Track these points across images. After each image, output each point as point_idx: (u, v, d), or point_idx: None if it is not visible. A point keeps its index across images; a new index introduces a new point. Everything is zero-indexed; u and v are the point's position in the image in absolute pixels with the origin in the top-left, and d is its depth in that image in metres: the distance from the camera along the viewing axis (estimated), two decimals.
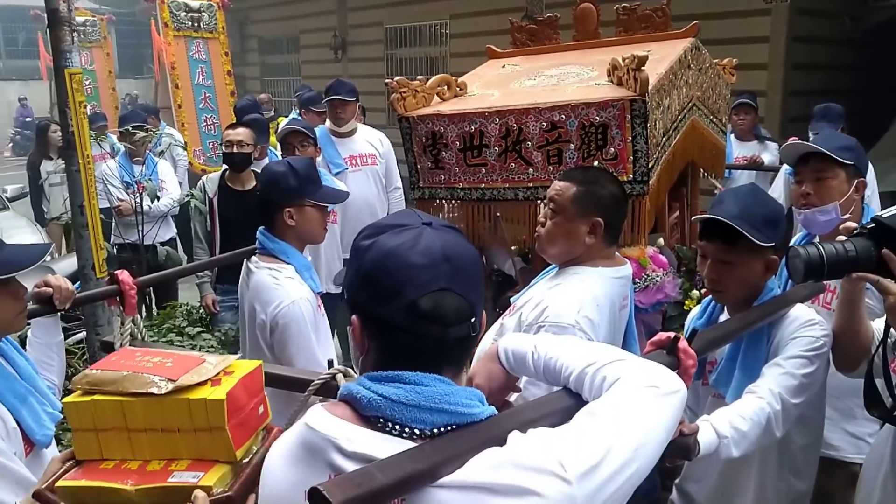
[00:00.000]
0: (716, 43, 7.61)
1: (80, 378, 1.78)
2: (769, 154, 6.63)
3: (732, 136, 6.72)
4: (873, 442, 2.48)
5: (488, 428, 1.20)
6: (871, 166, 5.14)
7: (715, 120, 4.14)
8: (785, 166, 5.83)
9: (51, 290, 2.39)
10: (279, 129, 5.50)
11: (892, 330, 2.08)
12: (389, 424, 1.18)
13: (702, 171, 4.27)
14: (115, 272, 2.59)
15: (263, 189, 3.02)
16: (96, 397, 1.71)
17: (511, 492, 1.11)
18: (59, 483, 1.72)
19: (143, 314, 5.75)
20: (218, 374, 1.69)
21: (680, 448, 1.74)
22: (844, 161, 2.80)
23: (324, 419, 1.22)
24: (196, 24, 8.49)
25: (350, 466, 1.15)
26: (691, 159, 3.83)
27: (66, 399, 1.77)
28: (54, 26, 3.98)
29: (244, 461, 1.65)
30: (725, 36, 8.16)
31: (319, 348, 2.80)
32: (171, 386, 1.63)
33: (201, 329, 4.71)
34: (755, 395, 2.08)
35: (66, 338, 4.95)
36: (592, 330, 2.32)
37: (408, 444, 1.16)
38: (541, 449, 1.16)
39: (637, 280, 3.07)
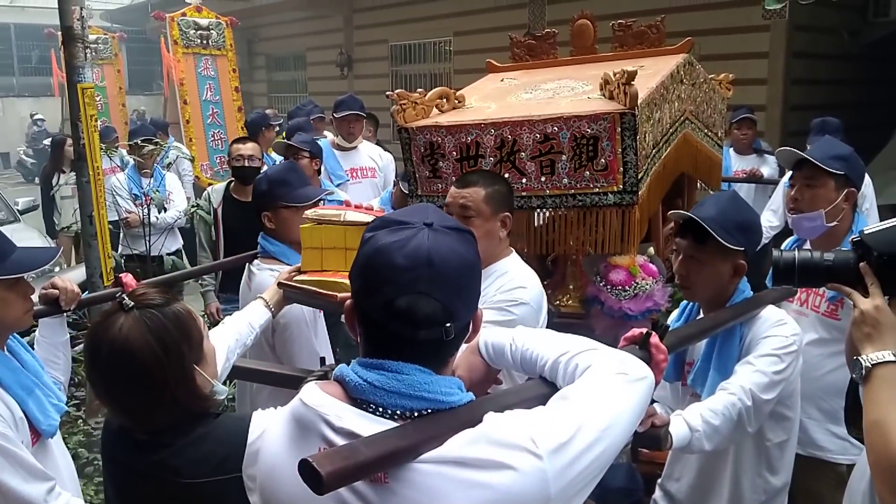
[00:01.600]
0: (716, 59, 7.76)
1: (311, 212, 2.66)
2: (768, 167, 6.71)
3: (731, 150, 6.81)
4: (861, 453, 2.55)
5: (467, 411, 1.29)
6: (869, 179, 5.24)
7: (710, 133, 4.22)
8: (784, 179, 5.93)
9: (57, 291, 2.51)
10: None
11: None
12: (373, 407, 1.27)
13: (699, 183, 4.36)
14: (120, 275, 2.69)
15: (253, 200, 3.26)
16: (325, 225, 2.53)
17: (486, 465, 1.20)
18: (296, 278, 2.57)
19: None
20: None
21: (651, 438, 1.83)
22: (833, 171, 2.90)
23: (316, 396, 1.32)
24: (205, 42, 8.63)
25: (339, 441, 1.25)
26: (684, 172, 3.93)
27: (303, 225, 2.60)
28: (68, 43, 4.11)
29: None
30: (725, 51, 8.29)
31: (319, 347, 2.91)
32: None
33: None
34: (727, 392, 2.18)
35: (73, 346, 5.08)
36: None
37: (391, 425, 1.25)
38: (514, 426, 1.24)
39: (627, 288, 3.16)
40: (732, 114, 6.66)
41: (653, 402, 2.42)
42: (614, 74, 3.10)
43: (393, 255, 1.26)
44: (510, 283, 2.68)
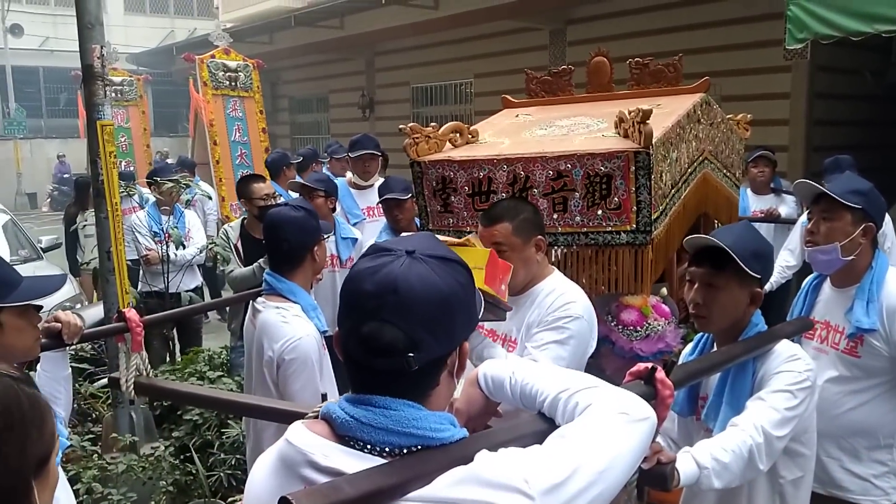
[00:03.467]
0: (737, 99, 7.75)
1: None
2: (786, 207, 6.65)
3: (748, 189, 6.76)
4: None
5: (459, 449, 1.24)
6: (889, 218, 5.18)
7: (728, 174, 4.19)
8: (802, 218, 5.87)
9: (60, 325, 2.51)
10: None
11: None
12: (360, 444, 1.23)
13: (716, 223, 4.32)
14: (123, 310, 2.69)
15: (293, 236, 3.00)
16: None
17: None
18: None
19: (168, 359, 5.87)
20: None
21: (657, 476, 1.78)
22: (851, 204, 2.86)
23: (302, 435, 1.28)
24: (233, 84, 8.71)
25: (322, 480, 1.20)
26: (705, 211, 3.89)
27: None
28: (88, 81, 4.18)
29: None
30: (747, 92, 8.28)
31: (323, 387, 2.86)
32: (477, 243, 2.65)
33: (221, 374, 4.83)
34: (738, 428, 2.12)
35: (91, 382, 5.10)
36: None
37: (379, 462, 1.21)
38: (506, 466, 1.20)
39: (639, 329, 3.12)
40: (749, 153, 6.63)
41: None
42: (629, 113, 3.09)
43: (363, 282, 1.25)
44: (558, 300, 2.72)
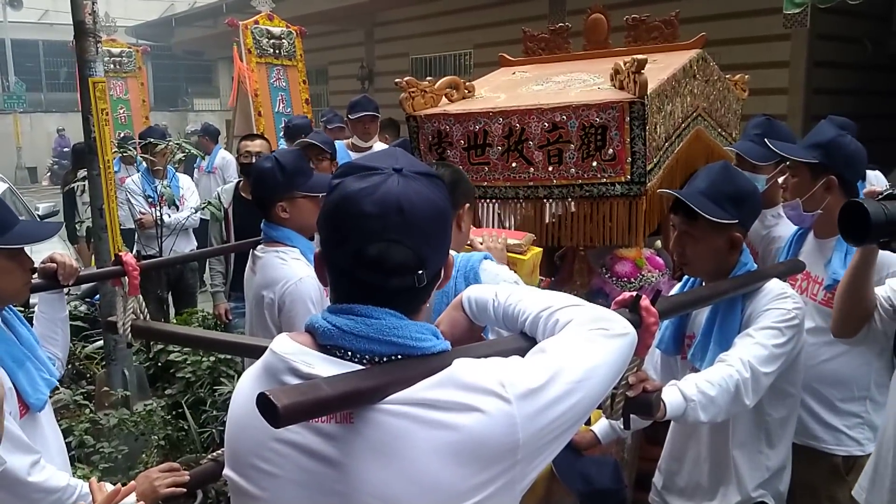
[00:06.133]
0: (736, 68, 7.64)
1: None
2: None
3: None
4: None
5: (439, 359, 1.25)
6: (886, 181, 5.15)
7: (724, 133, 4.17)
8: None
9: (55, 265, 2.50)
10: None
11: None
12: (342, 352, 1.24)
13: None
14: (120, 253, 2.68)
15: (254, 187, 3.08)
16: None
17: (452, 407, 1.17)
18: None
19: (162, 321, 5.84)
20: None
21: (643, 404, 1.78)
22: (806, 160, 2.83)
23: (286, 344, 1.29)
24: (277, 52, 8.30)
25: None
26: (697, 169, 3.86)
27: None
28: (80, 37, 4.12)
29: None
30: (746, 61, 8.22)
31: None
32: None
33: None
34: (725, 363, 2.13)
35: (87, 343, 5.10)
36: None
37: (359, 368, 1.22)
38: (484, 371, 1.21)
39: (633, 280, 3.12)
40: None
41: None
42: (624, 63, 3.07)
43: (361, 203, 1.23)
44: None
